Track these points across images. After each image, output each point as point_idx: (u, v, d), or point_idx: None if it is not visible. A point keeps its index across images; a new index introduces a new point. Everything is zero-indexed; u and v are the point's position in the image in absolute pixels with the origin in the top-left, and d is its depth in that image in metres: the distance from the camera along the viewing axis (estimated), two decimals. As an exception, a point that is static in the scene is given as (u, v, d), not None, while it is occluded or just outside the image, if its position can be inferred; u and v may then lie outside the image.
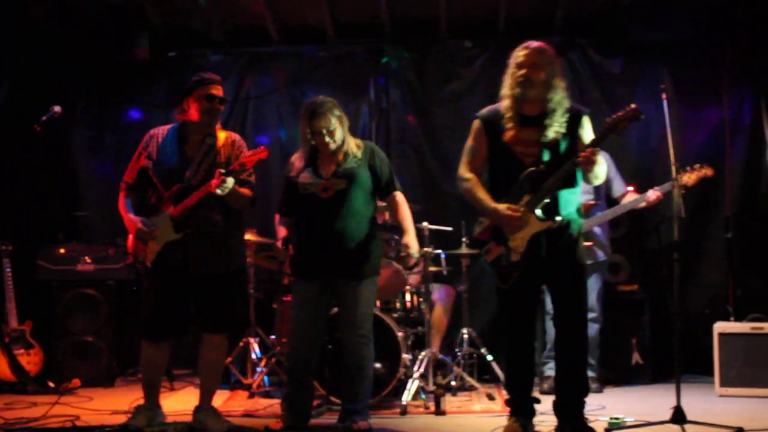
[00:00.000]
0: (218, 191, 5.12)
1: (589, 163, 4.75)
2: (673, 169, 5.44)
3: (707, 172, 6.30)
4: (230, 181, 5.12)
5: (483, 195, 5.03)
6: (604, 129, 4.77)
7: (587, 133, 5.01)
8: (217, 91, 5.41)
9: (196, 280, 5.36)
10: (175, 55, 8.49)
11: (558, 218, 4.88)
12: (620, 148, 7.90)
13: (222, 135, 5.48)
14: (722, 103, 7.90)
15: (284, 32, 8.34)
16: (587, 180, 4.96)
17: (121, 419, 5.57)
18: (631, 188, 6.90)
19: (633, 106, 4.73)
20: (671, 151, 5.50)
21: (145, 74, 8.42)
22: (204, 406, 5.47)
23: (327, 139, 5.30)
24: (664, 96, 5.58)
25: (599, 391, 6.71)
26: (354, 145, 5.43)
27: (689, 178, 6.25)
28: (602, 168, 4.89)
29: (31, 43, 7.98)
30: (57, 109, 5.40)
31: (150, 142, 5.49)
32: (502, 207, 4.92)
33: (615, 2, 7.73)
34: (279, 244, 5.43)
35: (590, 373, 6.68)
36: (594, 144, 4.76)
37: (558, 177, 4.83)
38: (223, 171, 5.13)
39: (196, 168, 5.34)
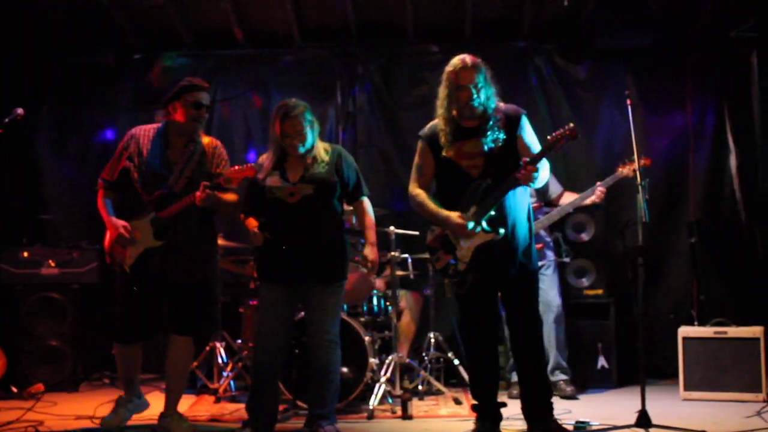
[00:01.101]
0: (202, 204, 5.17)
1: (528, 180, 4.83)
2: (638, 174, 5.49)
3: (645, 162, 6.36)
4: (214, 195, 5.18)
5: (434, 206, 5.15)
6: (543, 148, 4.84)
7: (528, 133, 5.08)
8: (205, 98, 5.42)
9: (172, 286, 5.37)
10: (141, 57, 8.44)
11: (502, 230, 4.94)
12: (586, 152, 7.98)
13: (205, 140, 5.50)
14: (686, 109, 7.98)
15: (251, 35, 8.31)
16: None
17: (85, 424, 5.53)
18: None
19: (571, 125, 4.78)
20: (635, 156, 5.58)
21: (111, 76, 8.35)
22: (169, 412, 5.45)
23: (296, 142, 5.26)
24: (628, 102, 5.68)
25: (574, 396, 6.70)
26: (322, 150, 5.39)
27: (628, 170, 6.36)
28: (544, 172, 4.96)
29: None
30: (20, 111, 5.34)
31: (131, 143, 5.47)
32: (453, 215, 5.01)
33: (579, 9, 7.78)
34: (256, 229, 5.35)
35: (563, 376, 6.74)
36: (533, 162, 4.80)
37: (500, 192, 4.91)
38: (208, 184, 5.15)
39: (178, 174, 5.35)
